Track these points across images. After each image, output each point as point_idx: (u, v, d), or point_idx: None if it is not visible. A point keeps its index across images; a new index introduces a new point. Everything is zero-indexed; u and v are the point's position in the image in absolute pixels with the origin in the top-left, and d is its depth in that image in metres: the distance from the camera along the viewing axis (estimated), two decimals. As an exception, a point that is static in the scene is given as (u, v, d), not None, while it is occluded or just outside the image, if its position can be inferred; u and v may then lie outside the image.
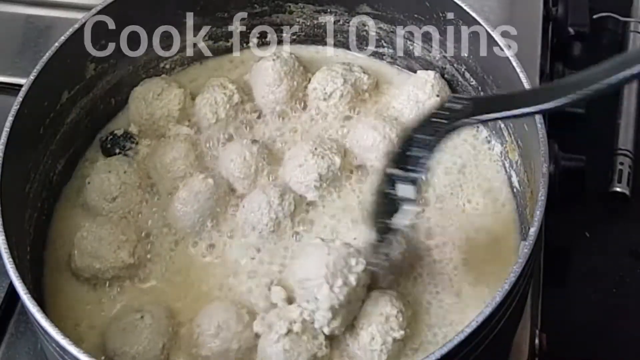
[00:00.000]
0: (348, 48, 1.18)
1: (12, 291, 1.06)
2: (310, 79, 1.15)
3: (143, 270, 1.02)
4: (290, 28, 1.18)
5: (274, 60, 1.13)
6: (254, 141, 1.09)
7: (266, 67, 1.13)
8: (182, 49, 1.16)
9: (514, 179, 1.05)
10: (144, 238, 1.04)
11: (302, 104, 1.14)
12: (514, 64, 0.97)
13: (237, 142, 1.10)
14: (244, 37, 1.18)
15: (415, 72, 1.15)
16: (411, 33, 1.13)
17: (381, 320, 0.94)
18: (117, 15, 1.07)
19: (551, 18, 1.34)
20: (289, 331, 0.93)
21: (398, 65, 1.17)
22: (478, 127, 1.10)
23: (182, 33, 1.15)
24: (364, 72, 1.13)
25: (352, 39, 1.17)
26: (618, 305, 1.22)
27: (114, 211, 1.05)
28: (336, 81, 1.12)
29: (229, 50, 1.19)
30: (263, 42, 1.18)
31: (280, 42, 1.19)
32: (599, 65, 0.82)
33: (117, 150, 1.11)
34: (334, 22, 1.16)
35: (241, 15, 1.16)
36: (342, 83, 1.11)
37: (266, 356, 0.93)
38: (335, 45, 1.19)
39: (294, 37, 1.18)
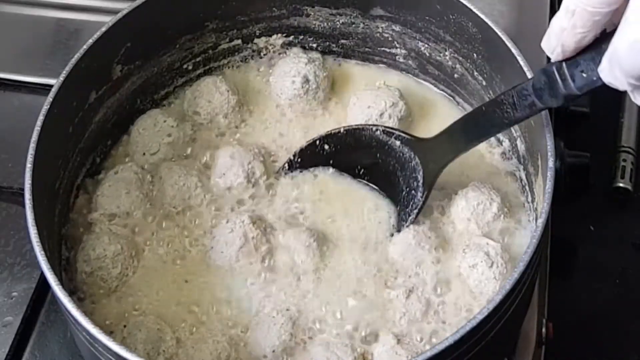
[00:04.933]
0: (363, 51, 1.20)
1: (43, 281, 1.08)
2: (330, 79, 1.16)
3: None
4: (307, 35, 1.19)
5: (299, 56, 1.15)
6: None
7: (288, 62, 1.15)
8: (204, 51, 1.18)
9: (522, 173, 1.07)
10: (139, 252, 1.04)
11: (322, 106, 1.16)
12: (521, 63, 0.99)
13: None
14: (265, 41, 1.20)
15: (427, 72, 1.16)
16: (422, 34, 1.14)
17: None
18: (143, 18, 1.08)
19: (557, 21, 1.36)
20: None
21: (410, 64, 1.18)
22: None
23: (204, 36, 1.16)
24: (401, 97, 1.12)
25: (367, 41, 1.18)
26: (620, 295, 1.25)
27: (117, 224, 1.06)
28: (380, 106, 1.11)
29: (250, 52, 1.20)
30: (284, 44, 1.20)
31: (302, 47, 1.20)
32: None
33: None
34: (349, 25, 1.17)
35: (261, 18, 1.17)
36: (389, 106, 1.11)
37: None
38: (351, 49, 1.20)
39: (311, 39, 1.20)
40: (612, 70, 0.78)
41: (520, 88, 0.92)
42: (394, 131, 1.05)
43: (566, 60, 0.85)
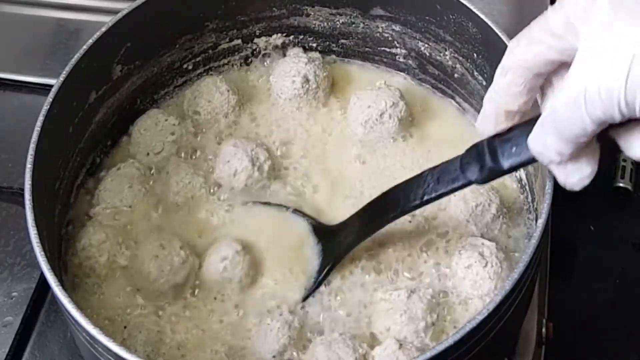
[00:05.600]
0: (363, 51, 1.20)
1: (43, 281, 1.08)
2: (331, 78, 1.17)
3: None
4: (307, 34, 1.20)
5: (300, 56, 1.16)
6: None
7: (288, 62, 1.15)
8: (204, 51, 1.18)
9: (522, 173, 1.07)
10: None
11: (322, 106, 1.16)
12: (522, 64, 0.99)
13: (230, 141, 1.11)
14: (265, 41, 1.20)
15: (427, 71, 1.16)
16: (422, 34, 1.14)
17: None
18: (143, 18, 1.08)
19: (557, 21, 1.36)
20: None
21: (410, 64, 1.18)
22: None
23: (204, 36, 1.16)
24: (401, 97, 1.12)
25: (367, 40, 1.18)
26: (620, 295, 1.25)
27: (117, 218, 1.06)
28: (380, 106, 1.11)
29: (250, 52, 1.21)
30: (284, 44, 1.20)
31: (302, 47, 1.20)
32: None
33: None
34: (349, 24, 1.18)
35: (261, 18, 1.17)
36: (390, 106, 1.10)
37: None
38: (351, 49, 1.20)
39: (311, 38, 1.20)
40: (543, 134, 0.76)
41: (447, 163, 0.91)
42: (305, 216, 1.06)
43: (499, 135, 0.84)
